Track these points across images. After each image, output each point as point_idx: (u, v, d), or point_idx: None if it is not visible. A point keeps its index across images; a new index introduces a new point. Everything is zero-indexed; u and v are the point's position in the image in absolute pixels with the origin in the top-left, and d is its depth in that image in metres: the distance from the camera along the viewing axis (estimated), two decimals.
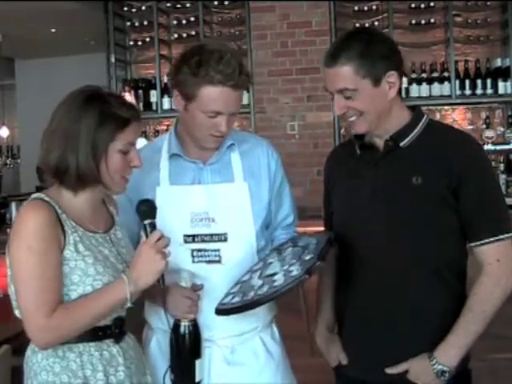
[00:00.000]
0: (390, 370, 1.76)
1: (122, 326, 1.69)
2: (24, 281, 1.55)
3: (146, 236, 1.63)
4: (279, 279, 1.70)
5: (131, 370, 1.68)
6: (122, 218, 1.81)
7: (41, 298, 1.53)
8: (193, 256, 1.88)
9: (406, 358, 1.75)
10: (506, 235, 1.72)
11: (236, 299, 1.75)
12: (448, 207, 1.72)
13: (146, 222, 1.65)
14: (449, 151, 1.74)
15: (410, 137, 1.78)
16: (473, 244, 1.75)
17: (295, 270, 1.70)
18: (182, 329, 1.80)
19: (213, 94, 1.77)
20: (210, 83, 1.77)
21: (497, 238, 1.71)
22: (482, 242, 1.72)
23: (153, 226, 1.64)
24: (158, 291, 1.81)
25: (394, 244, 1.76)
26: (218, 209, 1.88)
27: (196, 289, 1.82)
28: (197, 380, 1.81)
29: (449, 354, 1.71)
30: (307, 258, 1.73)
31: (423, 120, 1.81)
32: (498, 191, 1.83)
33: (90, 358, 1.61)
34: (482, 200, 1.73)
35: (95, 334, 1.62)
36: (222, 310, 1.76)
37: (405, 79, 5.71)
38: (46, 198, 1.60)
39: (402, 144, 1.77)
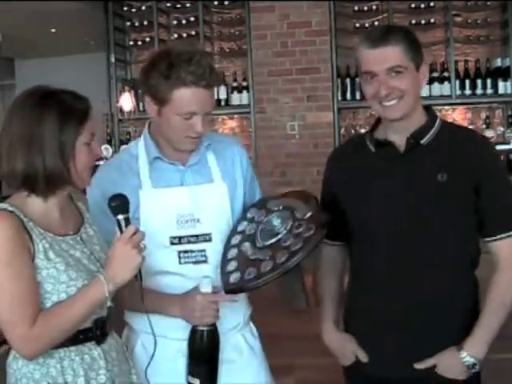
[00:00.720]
0: (418, 366, 1.78)
1: (103, 327, 1.65)
2: None
3: (121, 232, 1.59)
4: (294, 243, 1.67)
5: (113, 372, 1.65)
6: (103, 224, 1.76)
7: (19, 310, 1.50)
8: (179, 257, 1.88)
9: (428, 355, 1.78)
10: None
11: (250, 273, 1.70)
12: (470, 204, 1.77)
13: (120, 217, 1.60)
14: (470, 150, 1.79)
15: (429, 135, 1.81)
16: (488, 239, 1.79)
17: (307, 230, 1.67)
18: (205, 334, 1.78)
19: (186, 96, 1.78)
20: (182, 85, 1.77)
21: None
22: (498, 237, 1.77)
23: (127, 221, 1.60)
24: (164, 302, 1.81)
25: (415, 242, 1.78)
26: (202, 209, 1.89)
27: (217, 291, 1.80)
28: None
29: (477, 346, 1.75)
30: (307, 216, 1.71)
31: (438, 120, 1.86)
32: (511, 188, 1.88)
33: (70, 363, 1.58)
34: (498, 197, 1.78)
35: (76, 337, 1.59)
36: (233, 289, 1.72)
37: None
38: (11, 208, 1.55)
39: (422, 142, 1.80)
